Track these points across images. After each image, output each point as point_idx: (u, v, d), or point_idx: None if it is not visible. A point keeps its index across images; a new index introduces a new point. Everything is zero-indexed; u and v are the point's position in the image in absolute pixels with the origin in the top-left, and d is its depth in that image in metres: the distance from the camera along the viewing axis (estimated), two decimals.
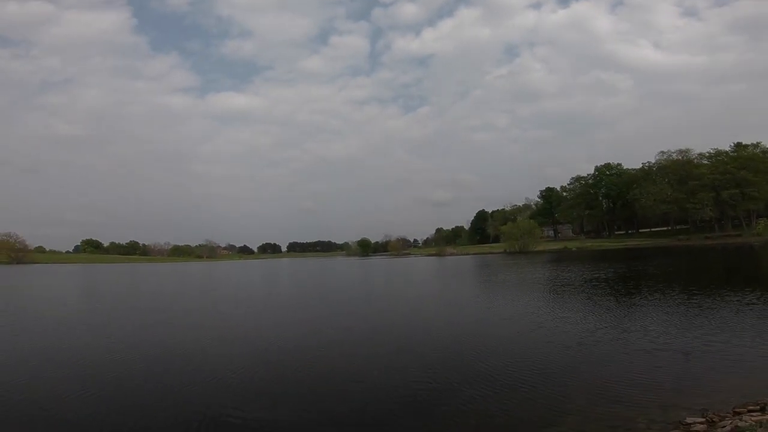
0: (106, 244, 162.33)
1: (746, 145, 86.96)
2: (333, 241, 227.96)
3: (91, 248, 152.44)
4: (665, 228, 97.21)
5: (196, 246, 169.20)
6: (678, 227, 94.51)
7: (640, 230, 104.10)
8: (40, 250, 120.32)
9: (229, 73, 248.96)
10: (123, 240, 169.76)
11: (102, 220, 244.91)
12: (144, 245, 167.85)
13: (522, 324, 12.52)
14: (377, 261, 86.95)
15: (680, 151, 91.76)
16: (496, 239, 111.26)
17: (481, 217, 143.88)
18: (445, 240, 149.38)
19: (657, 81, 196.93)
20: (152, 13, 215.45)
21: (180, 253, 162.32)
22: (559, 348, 9.48)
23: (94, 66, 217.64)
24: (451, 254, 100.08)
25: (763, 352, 8.38)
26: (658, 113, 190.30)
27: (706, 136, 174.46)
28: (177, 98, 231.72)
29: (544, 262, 46.24)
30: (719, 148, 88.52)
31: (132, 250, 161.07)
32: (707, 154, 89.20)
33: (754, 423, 4.32)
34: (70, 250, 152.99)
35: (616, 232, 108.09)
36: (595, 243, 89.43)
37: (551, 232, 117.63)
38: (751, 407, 5.00)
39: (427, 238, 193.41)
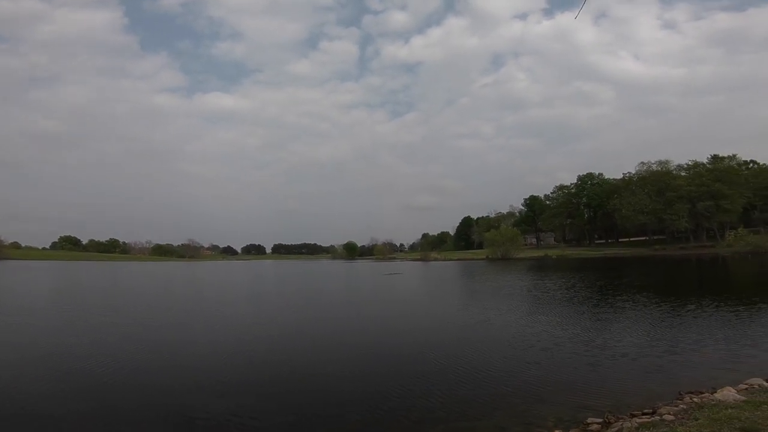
0: (84, 241, 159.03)
1: (723, 158, 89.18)
2: (318, 244, 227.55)
3: (69, 245, 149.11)
4: (643, 238, 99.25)
5: (178, 245, 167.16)
6: (655, 237, 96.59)
7: (620, 239, 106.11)
8: (15, 245, 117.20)
9: (218, 75, 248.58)
10: (103, 238, 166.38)
11: (81, 218, 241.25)
12: (124, 243, 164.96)
13: (473, 329, 12.81)
14: (363, 265, 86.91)
15: (660, 162, 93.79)
16: (480, 245, 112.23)
17: (467, 223, 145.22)
18: (431, 245, 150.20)
19: (637, 93, 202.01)
20: (144, 13, 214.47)
21: (162, 252, 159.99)
22: (500, 353, 9.82)
23: (80, 63, 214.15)
24: (435, 259, 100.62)
25: (686, 359, 8.92)
26: (638, 124, 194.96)
27: (685, 148, 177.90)
28: (164, 97, 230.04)
29: (522, 269, 46.86)
30: (697, 160, 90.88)
31: (112, 248, 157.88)
32: (685, 166, 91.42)
33: (638, 425, 4.58)
34: (47, 247, 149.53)
35: (597, 241, 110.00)
36: (575, 251, 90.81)
37: (534, 240, 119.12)
38: (646, 410, 5.28)
39: (413, 243, 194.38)
